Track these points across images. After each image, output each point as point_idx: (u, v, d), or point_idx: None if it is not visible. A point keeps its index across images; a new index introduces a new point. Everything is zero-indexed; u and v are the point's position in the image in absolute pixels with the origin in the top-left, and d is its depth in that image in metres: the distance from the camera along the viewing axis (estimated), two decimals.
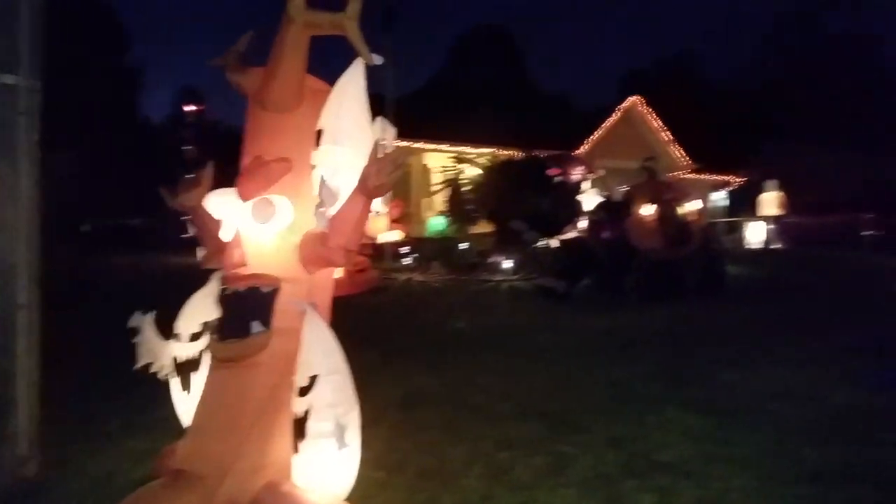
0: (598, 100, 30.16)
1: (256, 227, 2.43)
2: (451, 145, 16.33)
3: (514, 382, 4.10)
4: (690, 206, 8.33)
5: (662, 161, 17.20)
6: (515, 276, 9.40)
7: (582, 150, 19.12)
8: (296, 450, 2.20)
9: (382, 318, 6.33)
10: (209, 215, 2.69)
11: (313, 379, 2.20)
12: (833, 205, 19.02)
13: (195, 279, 2.71)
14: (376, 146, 2.31)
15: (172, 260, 11.32)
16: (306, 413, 2.18)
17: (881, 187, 21.31)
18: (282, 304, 2.36)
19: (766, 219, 16.99)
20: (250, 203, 2.43)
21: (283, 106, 2.44)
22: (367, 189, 2.22)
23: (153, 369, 2.77)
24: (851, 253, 15.00)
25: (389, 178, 2.21)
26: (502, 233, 11.47)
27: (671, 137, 21.11)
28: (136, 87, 27.00)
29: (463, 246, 12.00)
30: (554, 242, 8.28)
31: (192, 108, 15.39)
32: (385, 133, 2.55)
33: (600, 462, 2.80)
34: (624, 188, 9.17)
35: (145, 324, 2.81)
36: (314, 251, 2.35)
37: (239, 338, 2.31)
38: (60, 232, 11.57)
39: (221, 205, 2.54)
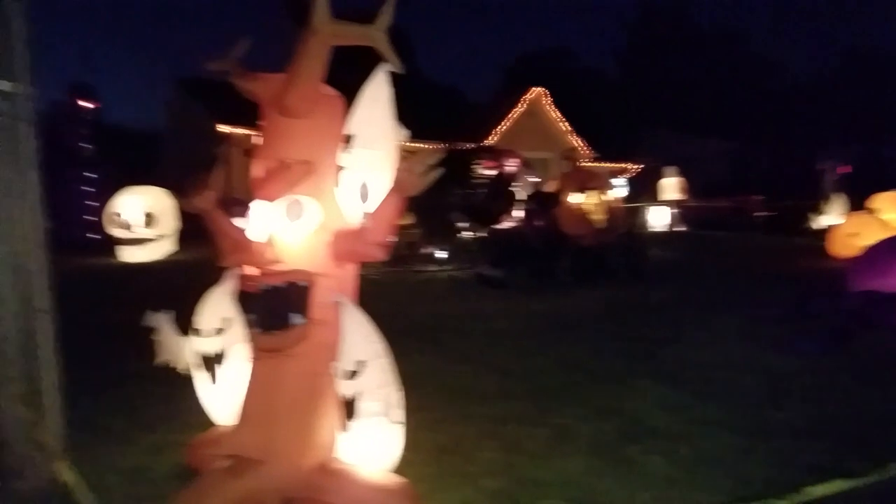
0: (493, 92, 30.81)
1: (287, 225, 2.53)
2: None
3: (486, 365, 4.35)
4: (612, 194, 8.97)
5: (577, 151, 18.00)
6: (451, 266, 9.69)
7: (491, 141, 19.69)
8: (345, 429, 2.36)
9: None
10: (223, 216, 2.78)
11: (360, 364, 2.37)
12: (714, 188, 20.68)
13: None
14: (403, 148, 2.51)
15: (92, 261, 10.75)
16: (354, 395, 2.36)
17: (752, 172, 23.53)
18: (317, 297, 2.50)
19: (668, 203, 18.25)
20: (279, 203, 2.53)
21: (301, 112, 2.51)
22: (403, 189, 2.40)
23: (173, 365, 2.82)
24: (747, 233, 16.43)
25: (422, 178, 2.40)
26: (429, 224, 11.72)
27: (570, 128, 22.14)
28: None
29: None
30: (490, 232, 8.64)
31: (88, 105, 14.42)
32: (399, 135, 2.69)
33: (599, 431, 3.12)
34: (535, 179, 9.64)
35: (163, 322, 2.85)
36: (349, 247, 2.50)
37: (282, 329, 2.44)
38: None
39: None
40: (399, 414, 2.38)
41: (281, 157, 2.53)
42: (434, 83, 28.12)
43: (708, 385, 3.86)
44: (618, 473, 2.68)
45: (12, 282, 2.46)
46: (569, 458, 2.83)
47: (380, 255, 2.46)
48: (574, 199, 8.47)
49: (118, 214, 10.65)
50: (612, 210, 8.74)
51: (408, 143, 2.67)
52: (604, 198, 8.73)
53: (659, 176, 18.79)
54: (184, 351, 2.84)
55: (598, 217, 8.48)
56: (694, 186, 19.64)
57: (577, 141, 21.73)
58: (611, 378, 4.01)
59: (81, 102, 14.33)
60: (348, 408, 2.35)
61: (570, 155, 9.77)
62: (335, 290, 2.56)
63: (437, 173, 2.41)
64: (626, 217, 9.50)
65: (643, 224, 18.29)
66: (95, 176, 13.58)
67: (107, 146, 14.80)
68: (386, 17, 2.30)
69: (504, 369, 4.24)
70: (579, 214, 8.41)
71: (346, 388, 2.37)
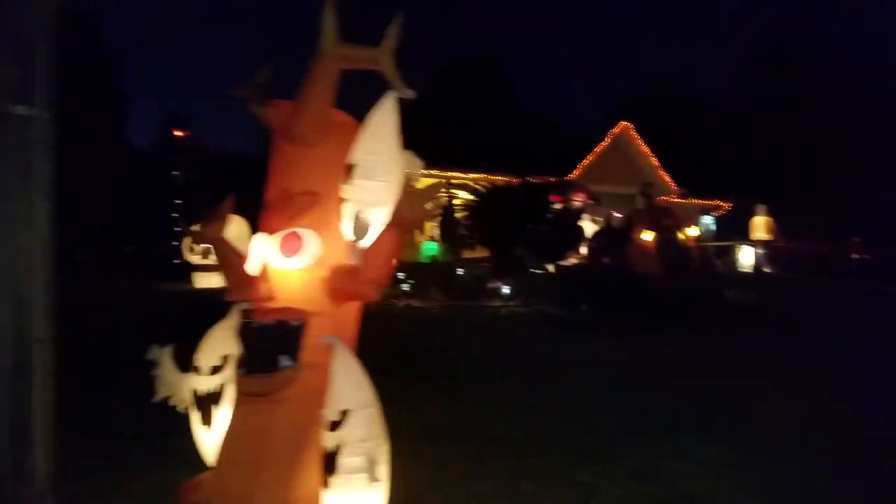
0: (587, 125, 30.45)
1: (283, 260, 2.39)
2: (441, 170, 16.27)
3: (529, 413, 4.07)
4: (689, 232, 8.43)
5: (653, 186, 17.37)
6: (514, 302, 9.39)
7: (573, 175, 19.32)
8: (325, 485, 2.15)
9: (390, 345, 6.27)
10: (231, 248, 2.67)
11: (344, 413, 2.18)
12: (817, 229, 19.25)
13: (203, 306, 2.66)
14: (407, 180, 2.32)
15: (168, 286, 11.23)
16: (336, 447, 2.15)
17: (870, 212, 21.69)
18: (310, 338, 2.33)
19: (757, 243, 17.11)
20: (277, 236, 2.40)
21: (310, 139, 2.40)
22: (400, 223, 2.22)
23: (172, 402, 2.72)
24: (841, 278, 15.06)
25: (423, 213, 2.21)
26: (498, 258, 11.48)
27: (659, 163, 21.46)
28: (122, 112, 26.78)
29: (460, 271, 11.98)
30: (555, 269, 8.30)
31: (181, 133, 15.47)
32: (412, 166, 2.52)
33: (626, 494, 2.77)
34: (619, 215, 9.26)
35: (163, 356, 2.76)
36: (344, 285, 2.33)
37: (266, 372, 2.28)
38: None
39: (247, 238, 2.52)
40: (382, 471, 2.16)
41: (286, 188, 2.41)
42: (531, 115, 28.06)
43: (774, 448, 3.41)
44: None
45: (12, 313, 2.43)
46: None
47: (373, 294, 2.28)
48: (646, 236, 8.02)
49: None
50: (688, 250, 8.21)
51: (438, 174, 2.51)
52: (679, 236, 8.23)
53: (752, 215, 17.67)
54: (183, 388, 2.74)
55: (672, 257, 7.98)
56: (796, 226, 18.34)
57: (664, 176, 20.98)
58: (657, 434, 3.61)
59: (175, 132, 15.19)
60: (330, 461, 2.15)
61: (646, 190, 9.31)
62: (331, 331, 2.39)
63: (434, 208, 2.21)
64: (704, 258, 8.87)
65: (732, 264, 17.21)
66: (184, 202, 14.00)
67: (207, 174, 15.30)
68: (391, 39, 2.16)
69: (545, 418, 3.93)
70: (651, 253, 7.95)
71: (328, 439, 2.17)
